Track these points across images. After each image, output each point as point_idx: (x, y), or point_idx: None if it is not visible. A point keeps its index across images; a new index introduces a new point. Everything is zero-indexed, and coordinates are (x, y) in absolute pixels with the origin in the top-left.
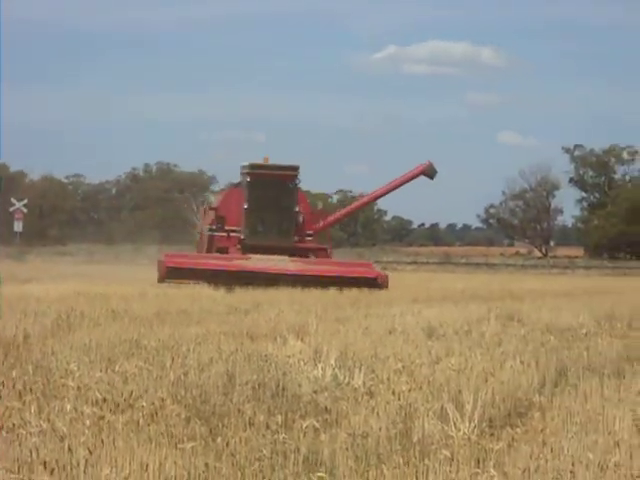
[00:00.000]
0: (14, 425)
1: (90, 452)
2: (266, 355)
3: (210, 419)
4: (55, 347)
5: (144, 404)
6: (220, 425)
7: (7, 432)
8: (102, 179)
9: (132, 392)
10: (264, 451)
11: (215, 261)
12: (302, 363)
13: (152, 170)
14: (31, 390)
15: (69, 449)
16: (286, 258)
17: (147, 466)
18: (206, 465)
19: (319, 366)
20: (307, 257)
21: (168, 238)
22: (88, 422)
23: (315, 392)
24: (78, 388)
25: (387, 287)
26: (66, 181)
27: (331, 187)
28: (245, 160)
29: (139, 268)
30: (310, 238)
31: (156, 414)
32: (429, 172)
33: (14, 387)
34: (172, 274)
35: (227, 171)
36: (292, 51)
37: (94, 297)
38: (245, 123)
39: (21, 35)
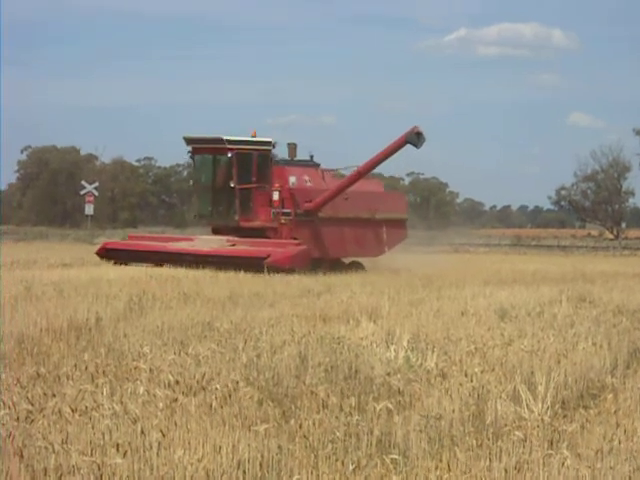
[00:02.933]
0: (87, 408)
1: (163, 435)
2: (339, 337)
3: (283, 401)
4: (127, 330)
5: (217, 387)
6: (293, 407)
7: (80, 415)
8: (173, 162)
9: (205, 374)
10: (337, 433)
11: (148, 243)
12: (375, 345)
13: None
14: (104, 373)
15: (142, 432)
16: (226, 239)
17: (220, 448)
18: (279, 447)
19: (392, 348)
20: (269, 237)
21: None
22: (161, 405)
23: (388, 374)
24: (150, 371)
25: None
26: (137, 164)
27: (402, 170)
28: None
29: None
30: (288, 217)
31: (229, 396)
32: (413, 140)
33: (87, 370)
34: (108, 255)
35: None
36: (359, 34)
37: (166, 280)
38: (313, 107)
39: (92, 19)
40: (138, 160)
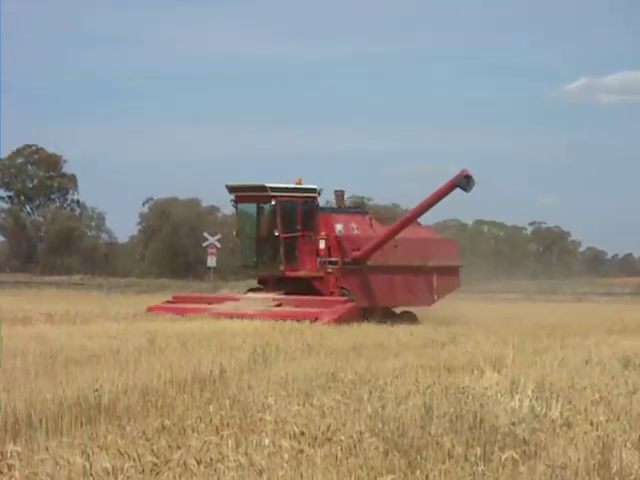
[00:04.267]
0: (212, 460)
1: None
2: (463, 387)
3: (408, 452)
4: (251, 381)
5: (342, 437)
6: (418, 458)
7: (205, 467)
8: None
9: (330, 425)
10: None
11: (191, 305)
12: (499, 395)
13: (347, 202)
14: (228, 425)
15: None
16: (272, 297)
17: None
18: None
19: (516, 397)
20: (315, 287)
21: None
22: (286, 456)
23: (513, 424)
24: (275, 422)
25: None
26: None
27: (524, 219)
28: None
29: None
30: (335, 266)
31: (354, 447)
32: (462, 184)
33: (211, 422)
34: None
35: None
36: (481, 83)
37: (289, 331)
38: (436, 155)
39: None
40: None
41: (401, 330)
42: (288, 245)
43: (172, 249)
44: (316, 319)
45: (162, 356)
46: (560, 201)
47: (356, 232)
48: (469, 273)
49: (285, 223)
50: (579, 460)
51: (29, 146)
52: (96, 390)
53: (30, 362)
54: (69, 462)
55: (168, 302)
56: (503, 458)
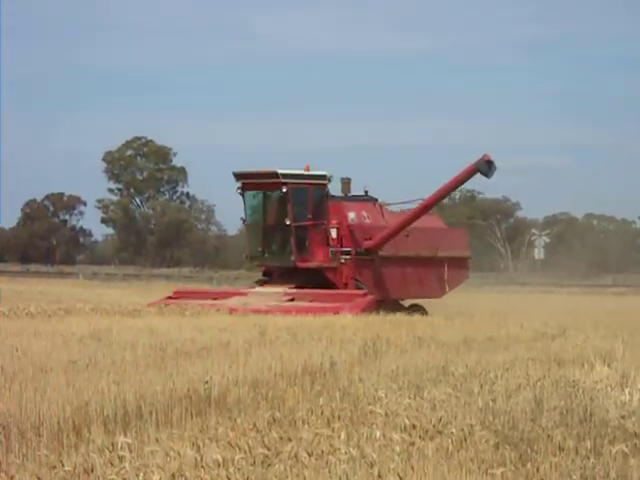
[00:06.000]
0: (323, 452)
1: (400, 478)
2: (573, 381)
3: (519, 445)
4: (362, 374)
5: (453, 430)
6: (529, 450)
7: (316, 459)
8: (404, 207)
9: (441, 418)
10: (574, 476)
11: (196, 301)
12: (609, 388)
13: (456, 197)
14: (339, 417)
15: (379, 475)
16: (284, 291)
17: None
18: None
19: (626, 391)
20: (328, 278)
21: (472, 265)
22: (397, 448)
23: (623, 417)
24: (386, 414)
25: None
26: None
27: (634, 212)
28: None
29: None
30: (348, 256)
31: (465, 440)
32: (483, 169)
33: (322, 414)
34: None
35: (531, 197)
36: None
37: (400, 324)
38: (545, 149)
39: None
40: None
41: (511, 323)
42: (299, 234)
43: None
44: (338, 314)
45: (272, 348)
46: None
47: (368, 221)
48: (579, 268)
49: (296, 211)
50: None
51: (138, 138)
52: (206, 382)
53: (140, 354)
54: (179, 454)
55: (169, 298)
56: (614, 451)
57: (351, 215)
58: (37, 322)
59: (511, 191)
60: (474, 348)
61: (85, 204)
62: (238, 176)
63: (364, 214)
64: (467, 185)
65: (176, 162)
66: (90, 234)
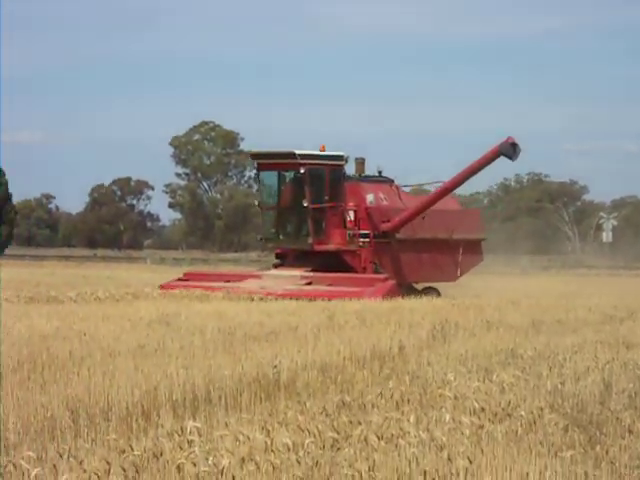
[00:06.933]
0: (393, 435)
1: (470, 461)
2: None
3: (588, 427)
4: (431, 358)
5: (522, 413)
6: (598, 433)
7: (386, 442)
8: (473, 190)
9: (510, 401)
10: None
11: (208, 284)
12: None
13: (523, 180)
14: (408, 401)
15: (449, 459)
16: (300, 275)
17: (527, 475)
18: (585, 473)
19: None
20: (346, 261)
21: (539, 248)
22: (467, 432)
23: None
24: (455, 398)
25: None
26: None
27: None
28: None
29: (512, 279)
30: (366, 239)
31: (534, 423)
32: (507, 151)
33: (392, 398)
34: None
35: (601, 179)
36: None
37: (467, 307)
38: (609, 132)
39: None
40: None
41: (579, 306)
42: (316, 217)
43: None
44: (361, 299)
45: (341, 333)
46: None
47: (385, 203)
48: None
49: (313, 193)
50: None
51: (206, 123)
52: (275, 366)
53: (208, 339)
54: (249, 438)
55: (180, 280)
56: None
57: (369, 197)
58: (105, 307)
59: (578, 174)
60: (542, 331)
61: (153, 189)
62: (254, 156)
63: (381, 196)
64: (534, 168)
65: (243, 147)
66: (157, 219)
